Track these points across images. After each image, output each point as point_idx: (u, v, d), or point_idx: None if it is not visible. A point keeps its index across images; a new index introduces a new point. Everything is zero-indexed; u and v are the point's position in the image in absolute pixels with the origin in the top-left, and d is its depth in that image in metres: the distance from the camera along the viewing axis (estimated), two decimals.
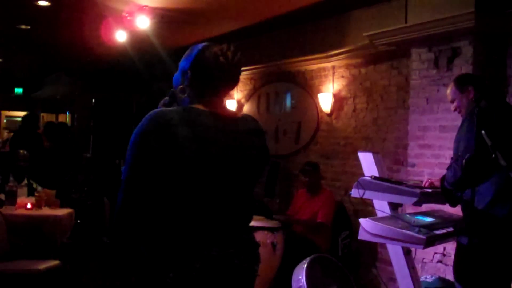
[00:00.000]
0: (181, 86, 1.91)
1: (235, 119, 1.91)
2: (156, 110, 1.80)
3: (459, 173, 2.76)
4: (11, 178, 5.35)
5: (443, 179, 2.98)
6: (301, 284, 3.71)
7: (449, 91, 3.14)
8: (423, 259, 4.51)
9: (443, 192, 2.99)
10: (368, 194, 3.14)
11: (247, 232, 1.95)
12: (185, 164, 1.74)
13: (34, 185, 5.52)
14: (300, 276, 3.76)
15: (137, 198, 1.77)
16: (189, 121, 1.77)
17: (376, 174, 3.35)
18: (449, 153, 3.77)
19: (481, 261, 2.76)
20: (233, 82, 1.93)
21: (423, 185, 3.23)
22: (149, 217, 1.80)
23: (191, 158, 1.74)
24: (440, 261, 4.43)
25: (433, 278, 3.95)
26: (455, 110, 3.13)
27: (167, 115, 1.75)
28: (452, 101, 3.11)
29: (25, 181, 5.48)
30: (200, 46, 1.91)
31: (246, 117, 1.98)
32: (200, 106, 1.85)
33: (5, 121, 15.05)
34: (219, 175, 1.80)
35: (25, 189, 5.39)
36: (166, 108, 1.81)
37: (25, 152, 5.46)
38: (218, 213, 1.82)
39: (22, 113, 13.12)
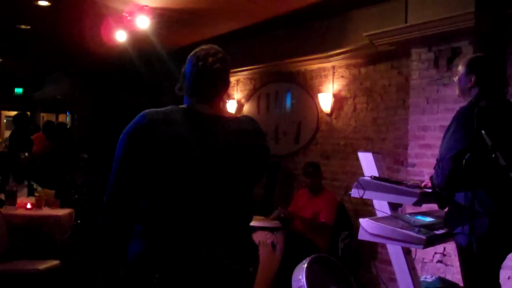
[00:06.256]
0: (178, 85, 1.97)
1: (226, 119, 1.91)
2: (145, 110, 1.83)
3: (441, 175, 2.75)
4: (10, 179, 5.34)
5: (432, 179, 2.95)
6: (301, 284, 3.71)
7: (459, 64, 3.06)
8: (423, 259, 4.51)
9: (433, 193, 2.96)
10: (368, 194, 3.13)
11: (244, 233, 1.93)
12: (168, 164, 1.75)
13: (34, 186, 5.52)
14: (300, 276, 3.76)
15: (122, 198, 1.80)
16: (175, 120, 1.79)
17: (376, 174, 3.35)
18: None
19: (478, 261, 2.76)
20: (213, 87, 1.90)
21: (422, 185, 3.22)
22: (134, 217, 1.82)
23: (173, 158, 1.75)
24: (440, 261, 4.43)
25: (433, 278, 3.94)
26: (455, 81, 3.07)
27: (153, 115, 1.79)
28: (457, 73, 3.04)
29: (25, 182, 5.48)
30: (197, 49, 1.94)
31: (241, 119, 1.99)
32: (190, 106, 1.88)
33: (5, 121, 15.07)
34: (204, 174, 1.79)
35: (25, 189, 5.39)
36: (153, 109, 1.83)
37: (27, 154, 5.46)
38: (208, 215, 1.80)
39: None
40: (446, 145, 2.76)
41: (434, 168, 2.86)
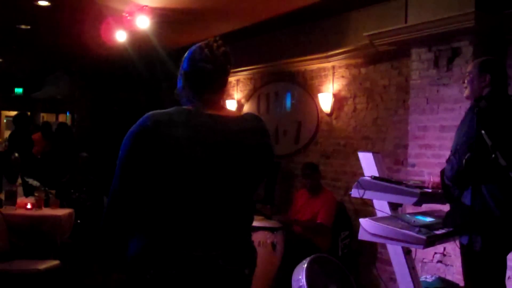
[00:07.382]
0: (177, 88, 1.96)
1: (229, 118, 1.90)
2: (149, 112, 1.83)
3: (456, 166, 2.75)
4: (4, 180, 5.33)
5: (442, 173, 2.95)
6: (301, 284, 3.71)
7: (470, 66, 3.06)
8: (423, 259, 4.51)
9: (443, 187, 2.96)
10: (368, 194, 3.13)
11: (242, 234, 1.92)
12: (171, 165, 1.75)
13: (29, 182, 5.49)
14: (300, 276, 3.76)
15: (125, 199, 1.80)
16: (179, 121, 1.78)
17: (376, 174, 3.35)
18: (449, 153, 3.76)
19: (480, 260, 2.76)
20: (221, 72, 1.90)
21: (426, 185, 3.21)
22: (136, 215, 1.83)
23: (177, 159, 1.75)
24: (440, 261, 4.43)
25: (433, 278, 3.95)
26: (463, 82, 3.07)
27: (158, 117, 1.79)
28: (468, 74, 3.04)
29: (19, 181, 5.46)
30: (193, 47, 1.94)
31: (245, 116, 1.97)
32: (193, 106, 1.87)
33: (5, 121, 15.08)
34: (206, 175, 1.79)
35: (20, 189, 5.36)
36: (158, 110, 1.83)
37: (16, 155, 5.43)
38: (208, 214, 1.80)
39: None
40: (462, 136, 2.77)
41: (447, 161, 2.85)
